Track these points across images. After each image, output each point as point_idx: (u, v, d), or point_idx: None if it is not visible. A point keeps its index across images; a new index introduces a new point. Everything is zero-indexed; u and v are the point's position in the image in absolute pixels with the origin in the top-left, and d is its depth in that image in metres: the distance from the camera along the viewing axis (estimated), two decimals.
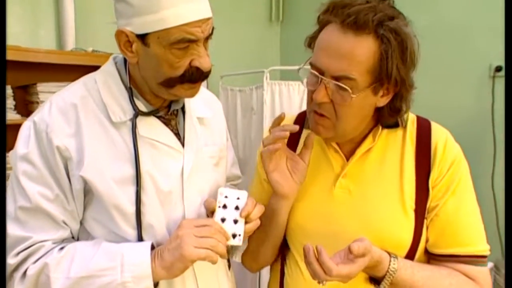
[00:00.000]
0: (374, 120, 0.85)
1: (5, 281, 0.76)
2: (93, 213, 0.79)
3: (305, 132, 0.93)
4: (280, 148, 0.81)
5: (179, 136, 0.86)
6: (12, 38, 1.83)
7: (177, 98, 0.84)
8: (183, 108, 0.89)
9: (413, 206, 0.81)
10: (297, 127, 0.80)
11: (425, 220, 0.82)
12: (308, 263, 0.73)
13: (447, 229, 0.81)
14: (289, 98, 2.02)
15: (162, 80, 0.76)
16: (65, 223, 0.78)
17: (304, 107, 1.01)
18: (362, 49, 0.72)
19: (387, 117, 0.82)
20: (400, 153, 0.84)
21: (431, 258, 0.84)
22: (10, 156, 0.79)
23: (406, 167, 0.83)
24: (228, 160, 1.03)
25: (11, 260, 0.74)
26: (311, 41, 0.82)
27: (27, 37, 1.95)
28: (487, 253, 0.82)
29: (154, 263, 0.74)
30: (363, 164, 0.85)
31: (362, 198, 0.83)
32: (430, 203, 0.81)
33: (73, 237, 0.82)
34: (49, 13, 2.01)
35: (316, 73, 0.77)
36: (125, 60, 0.83)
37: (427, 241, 0.83)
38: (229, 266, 0.99)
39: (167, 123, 0.85)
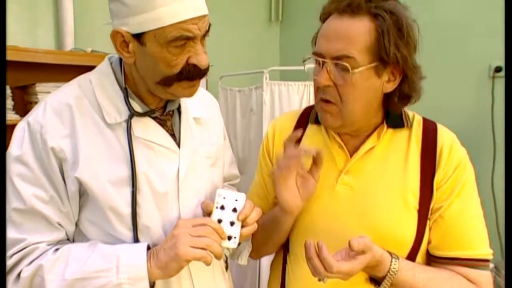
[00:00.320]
0: (381, 117, 0.86)
1: (5, 281, 0.75)
2: (89, 215, 0.79)
3: (309, 126, 0.93)
4: (291, 174, 0.81)
5: (175, 137, 0.86)
6: (11, 38, 1.83)
7: (175, 97, 0.83)
8: (179, 109, 0.88)
9: (417, 206, 0.81)
10: (313, 152, 0.80)
11: (428, 221, 0.82)
12: (308, 259, 0.73)
13: (450, 231, 0.80)
14: (289, 98, 2.02)
15: (160, 79, 0.76)
16: (60, 225, 0.78)
17: (303, 107, 1.02)
18: (358, 28, 0.75)
19: (397, 105, 0.83)
20: (405, 152, 0.84)
21: (433, 260, 0.84)
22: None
23: (411, 167, 0.82)
24: (226, 159, 1.03)
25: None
26: (315, 38, 0.84)
27: (26, 37, 1.95)
28: (490, 257, 0.81)
29: (149, 263, 0.74)
30: (367, 161, 0.85)
31: (364, 195, 0.83)
32: (434, 204, 0.81)
33: (68, 239, 0.81)
34: (48, 13, 2.01)
35: (318, 58, 0.79)
36: (120, 60, 0.82)
37: (429, 243, 0.83)
38: (227, 268, 0.98)
39: (162, 124, 0.85)
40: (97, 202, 0.76)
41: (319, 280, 0.73)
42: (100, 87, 0.80)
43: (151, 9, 0.70)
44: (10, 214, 0.74)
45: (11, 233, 0.74)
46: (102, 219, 0.77)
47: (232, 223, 0.79)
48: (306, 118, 0.95)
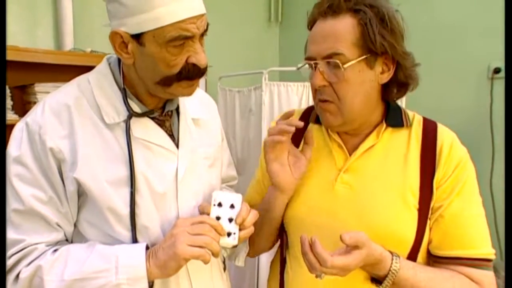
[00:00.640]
0: (380, 116, 0.87)
1: (5, 282, 0.75)
2: (87, 215, 0.79)
3: (310, 127, 0.94)
4: (284, 141, 0.83)
5: (174, 138, 0.86)
6: (10, 38, 1.83)
7: (174, 97, 0.83)
8: (177, 109, 0.88)
9: (417, 205, 0.81)
10: (301, 123, 0.81)
11: (428, 220, 0.82)
12: (303, 254, 0.74)
13: (451, 230, 0.80)
14: (288, 99, 2.02)
15: (159, 79, 0.76)
16: (58, 225, 0.77)
17: (303, 108, 1.03)
18: (342, 26, 0.78)
19: (396, 94, 0.85)
20: (405, 151, 0.84)
21: (435, 260, 0.84)
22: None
23: (411, 166, 0.83)
24: (223, 161, 1.03)
25: None
26: (306, 45, 0.86)
27: (25, 37, 1.95)
28: (492, 256, 0.81)
29: (148, 262, 0.74)
30: (366, 160, 0.85)
31: (364, 194, 0.83)
32: (434, 204, 0.81)
33: (67, 240, 0.81)
34: (47, 13, 2.01)
35: (310, 62, 0.82)
36: (119, 61, 0.82)
37: (430, 242, 0.83)
38: (225, 268, 0.98)
39: (161, 124, 0.85)
40: (95, 203, 0.76)
41: (316, 276, 0.74)
42: (98, 87, 0.80)
43: (149, 9, 0.70)
44: (9, 214, 0.74)
45: (10, 234, 0.74)
46: (101, 219, 0.77)
47: (230, 220, 0.79)
48: (307, 117, 0.96)
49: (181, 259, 0.73)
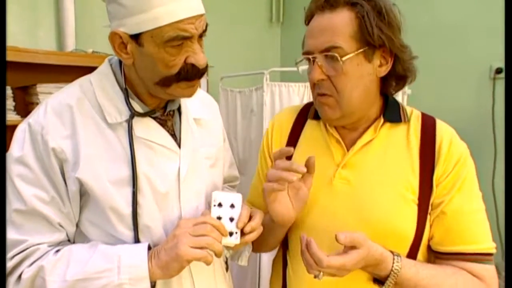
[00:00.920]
0: (379, 111, 0.87)
1: (5, 282, 0.75)
2: (89, 215, 0.79)
3: (308, 122, 0.94)
4: (283, 188, 0.80)
5: (176, 137, 0.86)
6: (12, 39, 1.83)
7: (175, 98, 0.84)
8: (179, 109, 0.88)
9: (416, 200, 0.81)
10: (304, 170, 0.78)
11: (428, 216, 0.81)
12: (302, 253, 0.74)
13: (453, 227, 0.80)
14: (289, 99, 2.02)
15: (158, 80, 0.76)
16: (61, 226, 0.77)
17: (301, 104, 1.03)
18: (340, 19, 0.78)
19: (395, 88, 0.86)
20: (404, 147, 0.84)
21: (436, 256, 0.84)
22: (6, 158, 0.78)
23: (410, 162, 0.82)
24: (225, 161, 1.03)
25: (6, 264, 0.74)
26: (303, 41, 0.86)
27: (27, 38, 1.95)
28: (493, 251, 0.81)
29: (150, 263, 0.74)
30: (364, 155, 0.85)
31: (362, 189, 0.83)
32: (434, 200, 0.81)
33: (69, 240, 0.81)
34: (49, 14, 2.01)
35: (308, 56, 0.82)
36: (120, 61, 0.82)
37: (431, 238, 0.83)
38: (227, 269, 0.98)
39: (163, 124, 0.85)
40: (97, 203, 0.76)
41: (315, 277, 0.73)
42: (100, 88, 0.80)
43: (147, 10, 0.70)
44: (11, 215, 0.74)
45: (12, 234, 0.74)
46: (103, 219, 0.77)
47: (231, 219, 0.79)
48: (306, 113, 0.96)
49: (184, 260, 0.73)
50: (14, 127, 0.81)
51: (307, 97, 2.01)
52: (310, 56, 0.81)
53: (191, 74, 0.76)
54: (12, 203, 0.74)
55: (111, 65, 0.83)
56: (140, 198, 0.78)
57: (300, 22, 0.88)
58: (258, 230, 0.82)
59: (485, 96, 1.95)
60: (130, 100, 0.80)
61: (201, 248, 0.73)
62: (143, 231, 0.79)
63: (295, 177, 0.77)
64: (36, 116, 0.77)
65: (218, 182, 0.95)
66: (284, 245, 0.94)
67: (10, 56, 1.58)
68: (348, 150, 0.86)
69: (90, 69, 0.88)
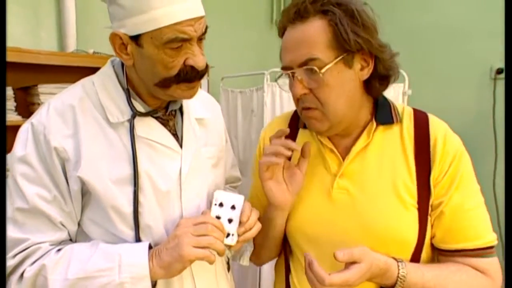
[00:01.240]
0: (369, 114, 0.85)
1: (5, 281, 0.75)
2: (91, 214, 0.79)
3: (300, 132, 0.93)
4: (280, 163, 0.81)
5: (177, 137, 0.86)
6: (14, 39, 1.84)
7: (175, 99, 0.84)
8: (181, 109, 0.89)
9: (416, 204, 0.80)
10: (299, 148, 0.80)
11: (429, 217, 0.81)
12: (305, 273, 0.73)
13: (454, 225, 0.80)
14: (289, 100, 2.02)
15: (158, 81, 0.76)
16: (62, 225, 0.78)
17: (290, 111, 1.01)
18: (313, 30, 0.76)
19: (379, 88, 0.83)
20: (399, 150, 0.83)
21: (439, 253, 0.84)
22: (9, 158, 0.79)
23: (406, 165, 0.82)
24: (227, 162, 1.03)
25: (8, 262, 0.74)
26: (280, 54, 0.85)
27: (29, 38, 1.96)
28: (495, 242, 0.81)
29: (152, 262, 0.74)
30: (361, 163, 0.84)
31: (361, 198, 0.82)
32: (433, 201, 0.81)
33: (70, 239, 0.81)
34: (50, 15, 2.02)
35: (287, 71, 0.80)
36: (122, 62, 0.83)
37: (433, 237, 0.83)
38: (228, 269, 0.98)
39: (165, 123, 0.85)
40: (99, 201, 0.76)
41: None
42: (103, 88, 0.80)
43: (147, 11, 0.70)
44: (13, 213, 0.74)
45: (14, 233, 0.74)
46: (104, 218, 0.78)
47: (230, 220, 0.80)
48: (296, 121, 0.94)
49: (186, 261, 0.73)
50: (15, 127, 0.81)
51: None
52: (289, 72, 0.79)
53: (190, 76, 0.76)
54: (15, 202, 0.74)
55: (113, 66, 0.84)
56: (141, 197, 0.78)
57: None
58: (257, 227, 0.82)
59: (486, 97, 1.96)
60: (132, 100, 0.81)
61: (203, 247, 0.74)
62: (144, 230, 0.79)
63: (291, 152, 0.78)
64: (38, 116, 0.77)
65: (220, 182, 0.95)
66: (287, 252, 0.93)
67: (12, 57, 1.58)
68: (343, 158, 0.85)
69: (91, 70, 0.89)
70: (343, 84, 0.78)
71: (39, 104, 1.79)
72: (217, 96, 2.30)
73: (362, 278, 0.72)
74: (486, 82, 1.97)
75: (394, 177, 0.81)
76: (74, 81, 0.86)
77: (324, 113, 0.79)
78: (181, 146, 0.85)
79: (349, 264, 0.72)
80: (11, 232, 0.74)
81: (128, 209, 0.77)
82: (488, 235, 0.81)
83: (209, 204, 0.86)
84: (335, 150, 0.86)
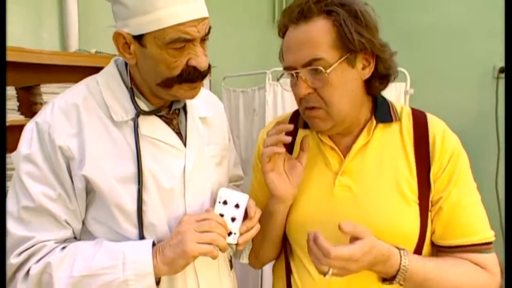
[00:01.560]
0: (369, 113, 0.86)
1: (5, 281, 0.76)
2: (95, 212, 0.80)
3: (300, 132, 0.93)
4: (282, 151, 0.83)
5: (181, 136, 0.87)
6: (16, 39, 1.84)
7: (177, 99, 0.84)
8: (184, 108, 0.89)
9: (416, 200, 0.81)
10: (291, 127, 0.82)
11: (429, 213, 0.82)
12: (309, 250, 0.74)
13: (452, 221, 0.81)
14: (291, 99, 2.01)
15: (160, 81, 0.77)
16: (67, 223, 0.78)
17: (288, 112, 1.02)
18: (317, 30, 0.76)
19: (378, 87, 0.84)
20: (399, 147, 0.84)
21: (438, 249, 0.85)
22: (13, 157, 0.79)
23: (406, 161, 0.83)
24: (230, 160, 1.04)
25: (13, 260, 0.75)
26: (281, 53, 0.85)
27: (31, 38, 1.96)
28: (492, 239, 0.83)
29: (155, 259, 0.75)
30: (362, 160, 0.85)
31: (363, 195, 0.83)
32: (433, 196, 0.82)
33: (75, 238, 0.82)
34: (52, 15, 2.02)
35: (290, 71, 0.80)
36: (126, 62, 0.83)
37: (432, 233, 0.84)
38: (231, 267, 0.99)
39: (168, 122, 0.85)
40: (103, 200, 0.77)
41: (324, 275, 0.73)
42: (107, 87, 0.81)
43: (151, 11, 0.71)
44: (19, 212, 0.75)
45: (20, 231, 0.75)
46: (108, 216, 0.78)
47: (233, 219, 0.80)
48: (295, 122, 0.94)
49: (190, 256, 0.74)
50: (18, 127, 0.82)
51: None
52: (293, 72, 0.80)
53: (192, 76, 0.77)
54: (21, 200, 0.75)
55: (117, 65, 0.84)
56: (145, 196, 0.79)
57: None
58: (257, 227, 0.82)
59: (488, 96, 1.96)
60: (136, 99, 0.81)
61: (206, 244, 0.74)
62: (148, 228, 0.80)
63: (290, 138, 0.80)
64: (43, 115, 0.78)
65: (224, 181, 0.96)
66: (287, 251, 0.94)
67: (14, 57, 1.59)
68: (344, 156, 0.86)
69: (93, 69, 0.89)
70: (346, 83, 0.79)
71: (41, 104, 1.80)
72: (219, 95, 2.30)
73: (366, 255, 0.73)
74: (489, 81, 1.97)
75: (395, 174, 0.82)
76: (76, 81, 0.86)
77: (328, 112, 0.80)
78: (184, 144, 0.86)
79: (353, 239, 0.73)
80: (17, 230, 0.75)
81: (132, 208, 0.78)
82: (486, 231, 0.82)
83: (213, 202, 0.86)
84: (336, 148, 0.87)
